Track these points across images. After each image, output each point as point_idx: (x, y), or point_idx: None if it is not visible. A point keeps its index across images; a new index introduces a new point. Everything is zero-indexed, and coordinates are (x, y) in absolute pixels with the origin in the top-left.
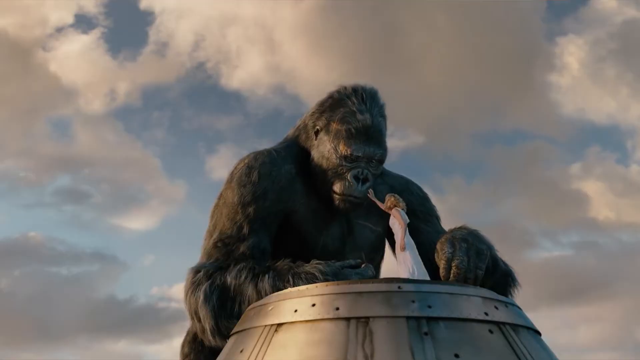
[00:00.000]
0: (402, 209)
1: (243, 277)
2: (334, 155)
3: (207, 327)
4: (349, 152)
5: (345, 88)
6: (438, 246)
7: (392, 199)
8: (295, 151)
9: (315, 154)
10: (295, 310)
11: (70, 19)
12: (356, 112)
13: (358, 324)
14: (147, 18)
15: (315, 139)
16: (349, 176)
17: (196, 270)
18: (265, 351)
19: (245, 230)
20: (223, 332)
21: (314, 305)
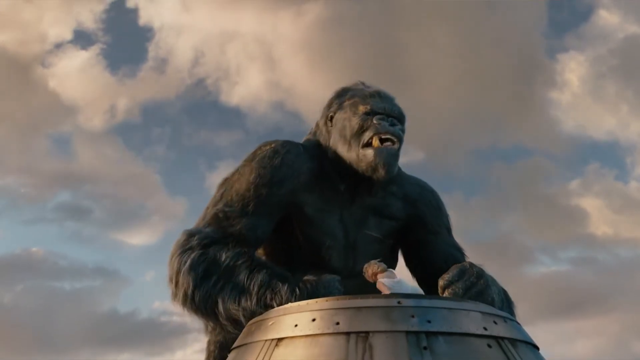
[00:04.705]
0: (385, 275)
1: (240, 261)
2: (355, 118)
3: (181, 293)
4: (368, 108)
5: (344, 85)
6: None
7: (374, 267)
8: (317, 152)
9: (334, 135)
10: (296, 325)
11: (68, 35)
12: (363, 88)
13: (358, 339)
14: (146, 34)
15: (331, 125)
16: (375, 120)
17: (190, 234)
18: None
19: (250, 209)
20: (196, 302)
21: (314, 320)
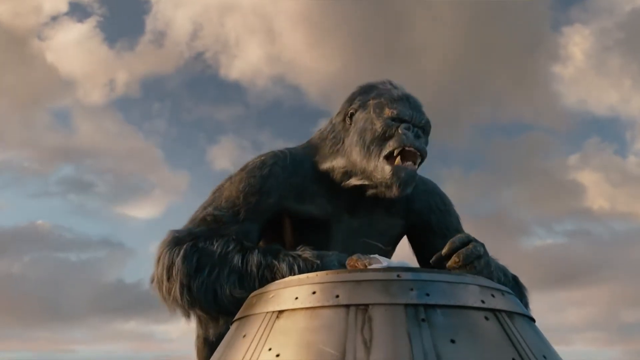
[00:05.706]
0: (373, 265)
1: (231, 247)
2: (379, 122)
3: (177, 286)
4: (395, 114)
5: (371, 81)
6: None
7: (359, 263)
8: (310, 162)
9: (351, 135)
10: (296, 298)
11: (64, 7)
12: (391, 88)
13: (357, 311)
14: (143, 6)
15: (350, 123)
16: (400, 129)
17: (178, 232)
18: (267, 336)
19: (241, 216)
20: (194, 293)
21: (314, 292)
